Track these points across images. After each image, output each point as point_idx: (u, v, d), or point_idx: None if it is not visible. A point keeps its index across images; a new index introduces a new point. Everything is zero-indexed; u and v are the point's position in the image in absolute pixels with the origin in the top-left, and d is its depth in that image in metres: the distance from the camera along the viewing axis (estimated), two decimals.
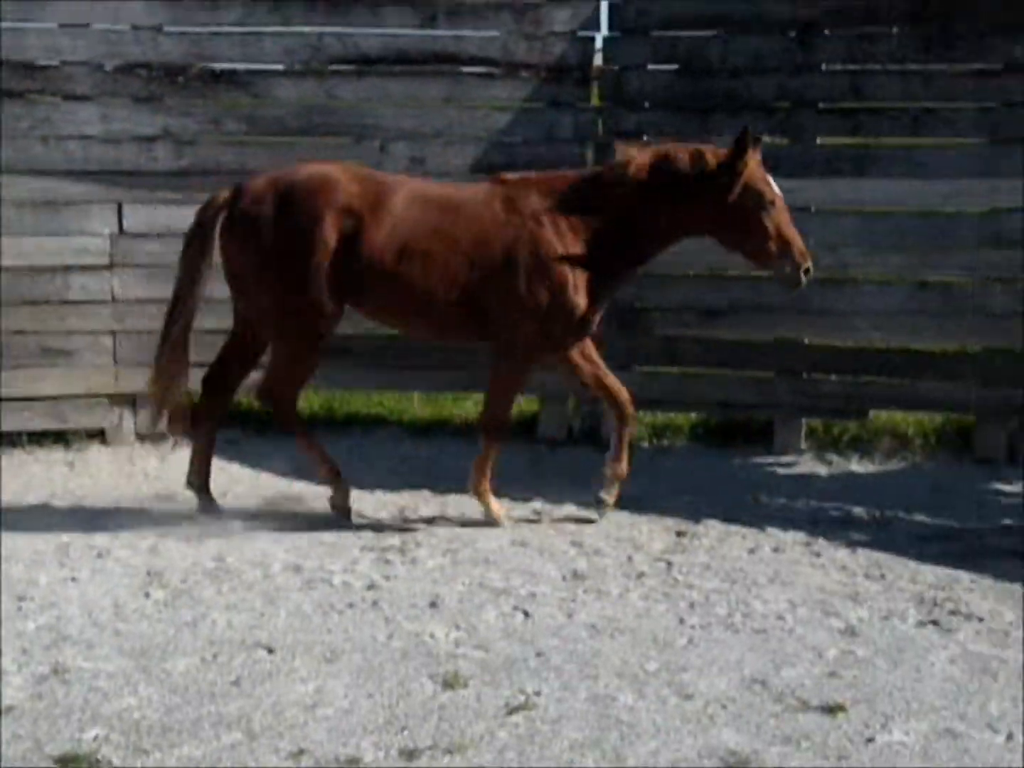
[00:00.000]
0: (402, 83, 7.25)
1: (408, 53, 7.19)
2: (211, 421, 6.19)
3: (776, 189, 5.74)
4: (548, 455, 7.27)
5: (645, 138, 7.08)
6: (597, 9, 7.17)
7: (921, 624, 5.00)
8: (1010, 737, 4.08)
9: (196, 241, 6.02)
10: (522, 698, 4.32)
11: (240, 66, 7.23)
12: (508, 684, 4.43)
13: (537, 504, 6.43)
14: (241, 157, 7.17)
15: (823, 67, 7.02)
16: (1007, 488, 6.67)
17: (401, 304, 5.94)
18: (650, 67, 7.22)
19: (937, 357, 7.14)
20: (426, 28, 7.17)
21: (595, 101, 7.31)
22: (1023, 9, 6.64)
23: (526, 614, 5.06)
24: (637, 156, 5.83)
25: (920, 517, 6.27)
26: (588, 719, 4.18)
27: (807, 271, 5.75)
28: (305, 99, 7.29)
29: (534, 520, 6.22)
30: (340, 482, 6.09)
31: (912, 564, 5.64)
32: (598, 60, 7.26)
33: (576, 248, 5.80)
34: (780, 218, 5.73)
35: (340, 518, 6.07)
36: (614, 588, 5.33)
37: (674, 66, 7.22)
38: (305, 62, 7.22)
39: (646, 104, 7.23)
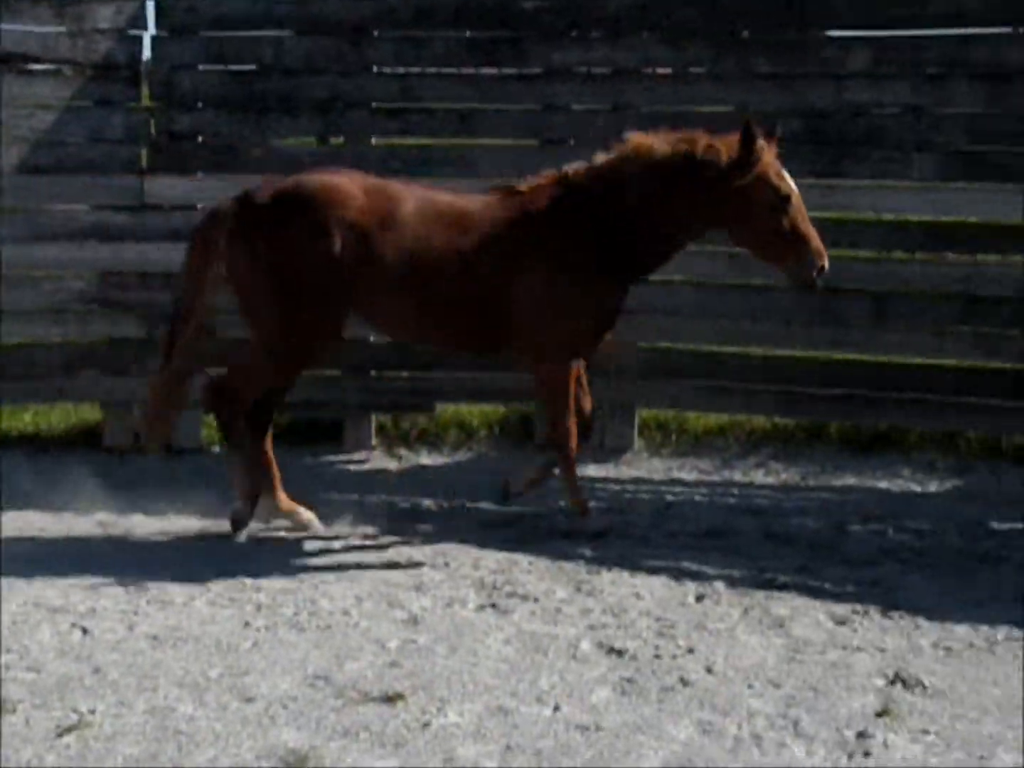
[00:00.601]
0: None
1: None
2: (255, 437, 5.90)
3: (792, 184, 5.54)
4: (117, 465, 7.04)
5: (200, 138, 6.97)
6: (143, 7, 7.00)
7: (480, 608, 5.15)
8: (557, 709, 4.27)
9: (200, 250, 5.69)
10: (75, 718, 4.16)
11: None
12: (60, 705, 4.25)
13: (102, 516, 6.22)
14: None
15: (375, 68, 7.11)
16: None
17: (417, 317, 5.75)
18: (202, 67, 7.12)
19: None
20: None
21: (146, 101, 7.13)
22: (564, 15, 6.96)
23: (84, 631, 4.88)
24: (645, 149, 5.61)
25: (485, 505, 6.47)
26: (146, 733, 4.07)
27: (821, 270, 5.54)
28: None
29: (96, 533, 6.03)
30: (253, 501, 5.84)
31: (475, 551, 5.80)
32: (146, 58, 7.09)
33: (590, 254, 5.63)
34: (796, 214, 5.51)
35: (236, 528, 5.85)
36: (179, 597, 5.22)
37: (226, 66, 7.13)
38: None
39: (199, 104, 7.11)
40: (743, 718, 4.19)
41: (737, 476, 6.94)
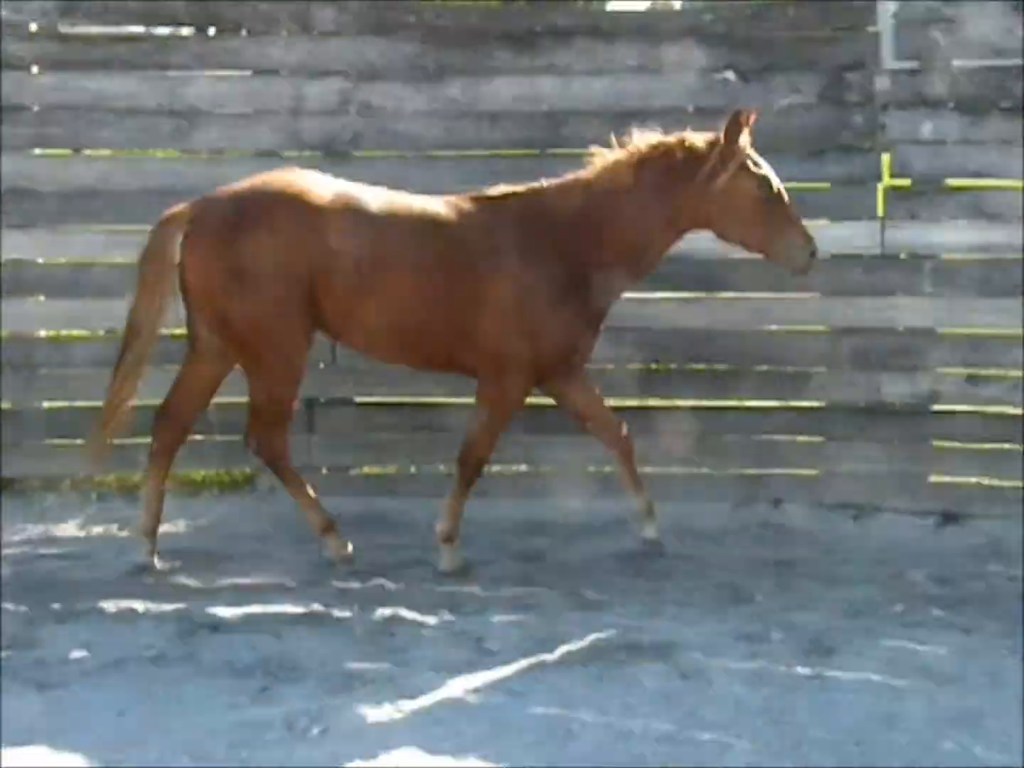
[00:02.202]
0: None
1: None
2: (164, 460, 5.59)
3: (771, 172, 5.42)
4: None
5: None
6: None
7: None
8: None
9: (154, 259, 5.39)
10: None
11: None
12: None
13: None
14: None
15: None
16: None
17: (385, 331, 5.46)
18: None
19: None
20: None
21: None
22: None
23: None
24: (620, 156, 5.43)
25: None
26: None
27: (813, 253, 5.45)
28: None
29: None
30: (335, 532, 5.59)
31: None
32: None
33: (565, 265, 5.40)
34: (779, 201, 5.42)
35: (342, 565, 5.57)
36: None
37: None
38: None
39: None
40: None
41: None
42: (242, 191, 5.42)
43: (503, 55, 6.28)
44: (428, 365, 5.72)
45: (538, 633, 4.87)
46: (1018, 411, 6.04)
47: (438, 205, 5.48)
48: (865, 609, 5.13)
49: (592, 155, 5.48)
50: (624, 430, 5.68)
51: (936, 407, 6.16)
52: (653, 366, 6.42)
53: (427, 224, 5.42)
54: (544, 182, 5.53)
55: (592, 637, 4.84)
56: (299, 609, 5.09)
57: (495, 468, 6.13)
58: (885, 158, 6.19)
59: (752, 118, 5.34)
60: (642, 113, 6.00)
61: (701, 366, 6.33)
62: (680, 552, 5.69)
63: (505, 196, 5.49)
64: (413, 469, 6.53)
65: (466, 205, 5.49)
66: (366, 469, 6.59)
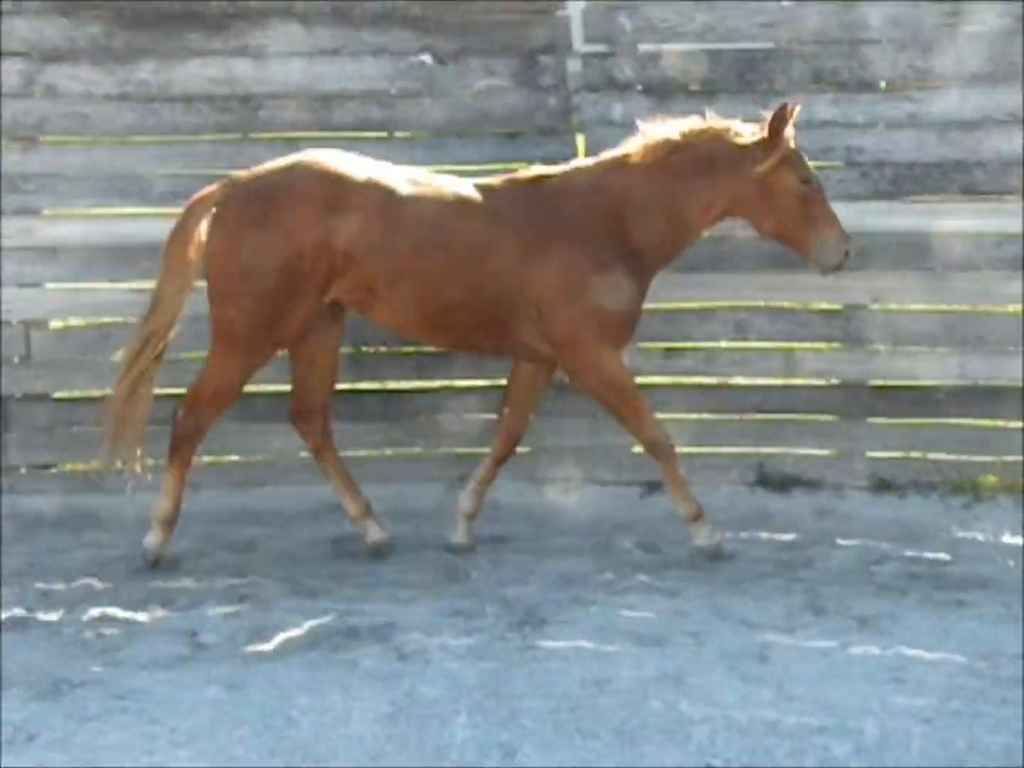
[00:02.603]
0: None
1: None
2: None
3: (811, 167, 5.42)
4: None
5: None
6: None
7: None
8: None
9: (179, 241, 5.31)
10: None
11: None
12: None
13: None
14: None
15: None
16: None
17: (420, 312, 5.37)
18: None
19: None
20: None
21: None
22: None
23: None
24: (665, 137, 5.37)
25: None
26: None
27: (847, 252, 5.41)
28: None
29: None
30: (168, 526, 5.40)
31: None
32: None
33: (605, 246, 5.37)
34: (818, 197, 5.40)
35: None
36: None
37: None
38: None
39: None
40: None
41: None
42: (271, 172, 5.36)
43: (195, 37, 6.14)
44: (470, 347, 5.75)
45: (254, 623, 4.83)
46: (712, 381, 6.34)
47: (470, 187, 5.45)
48: (576, 579, 5.28)
49: (638, 132, 5.45)
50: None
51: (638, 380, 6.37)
52: (363, 349, 6.41)
53: (465, 206, 5.38)
54: (587, 160, 5.64)
55: (309, 624, 4.83)
56: None
57: (205, 459, 6.02)
58: (580, 140, 6.36)
59: (796, 111, 5.34)
60: (340, 96, 6.00)
61: (410, 349, 6.36)
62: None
63: (543, 176, 5.48)
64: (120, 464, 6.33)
65: (502, 186, 5.47)
66: (69, 466, 6.37)
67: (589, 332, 5.40)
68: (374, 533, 5.61)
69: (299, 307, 5.29)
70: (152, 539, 5.42)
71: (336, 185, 5.28)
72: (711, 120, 5.45)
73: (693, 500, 5.50)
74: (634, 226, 5.43)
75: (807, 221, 5.40)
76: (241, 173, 5.45)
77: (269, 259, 5.23)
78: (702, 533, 5.49)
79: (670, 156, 5.40)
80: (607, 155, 5.54)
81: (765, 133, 5.34)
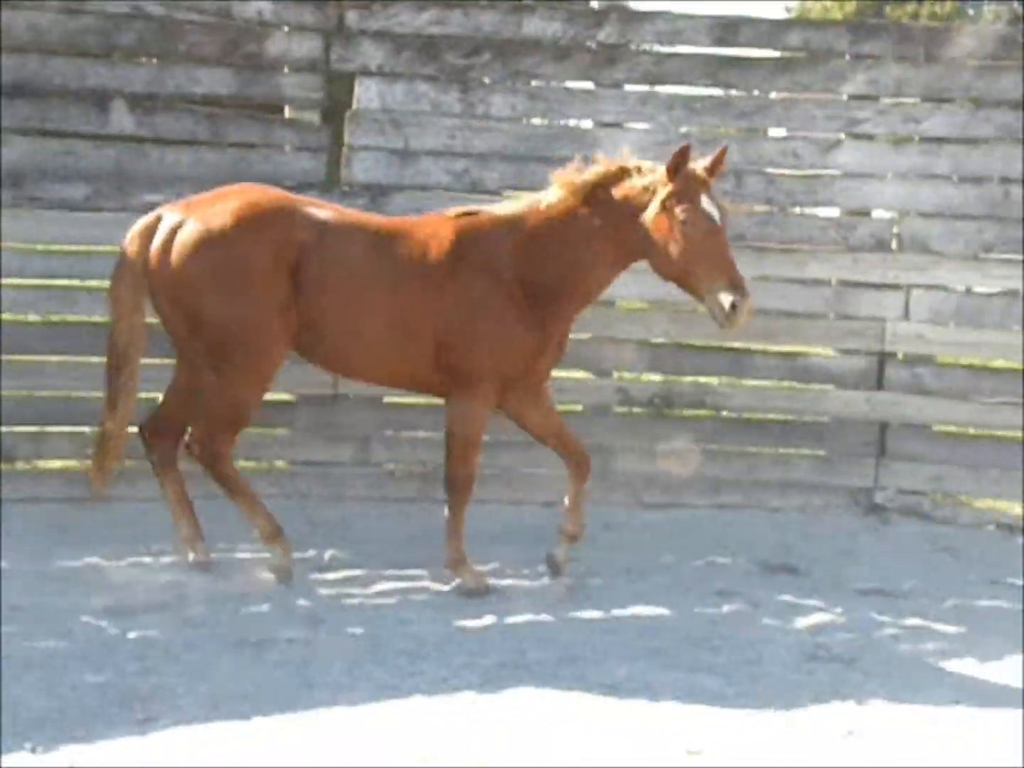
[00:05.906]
0: None
1: None
2: (173, 467, 5.66)
3: (715, 211, 5.30)
4: None
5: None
6: None
7: None
8: None
9: (127, 275, 5.42)
10: None
11: None
12: None
13: None
14: None
15: None
16: None
17: (353, 351, 5.55)
18: None
19: None
20: None
21: None
22: None
23: None
24: (572, 182, 5.49)
25: None
26: None
27: (734, 306, 5.17)
28: None
29: None
30: (282, 540, 5.56)
31: None
32: None
33: (520, 293, 5.52)
34: (716, 241, 5.26)
35: (280, 580, 5.55)
36: None
37: None
38: None
39: None
40: None
41: None
42: (208, 205, 5.44)
43: None
44: (393, 383, 5.85)
45: None
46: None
47: (395, 222, 5.71)
48: None
49: (552, 177, 5.60)
50: (584, 452, 5.82)
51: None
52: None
53: (383, 239, 5.54)
54: (507, 203, 5.86)
55: None
56: None
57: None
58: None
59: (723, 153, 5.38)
60: None
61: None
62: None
63: (467, 215, 5.66)
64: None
65: (425, 224, 5.67)
66: None
67: (482, 370, 5.53)
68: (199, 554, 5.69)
69: (268, 329, 5.41)
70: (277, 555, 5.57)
71: (281, 218, 5.44)
72: (621, 161, 5.52)
73: (461, 543, 5.58)
74: (537, 269, 5.53)
75: (700, 265, 5.23)
76: (172, 204, 5.57)
77: (226, 286, 5.35)
78: (463, 578, 5.59)
79: (576, 200, 5.49)
80: (524, 199, 5.75)
81: (667, 170, 5.31)
